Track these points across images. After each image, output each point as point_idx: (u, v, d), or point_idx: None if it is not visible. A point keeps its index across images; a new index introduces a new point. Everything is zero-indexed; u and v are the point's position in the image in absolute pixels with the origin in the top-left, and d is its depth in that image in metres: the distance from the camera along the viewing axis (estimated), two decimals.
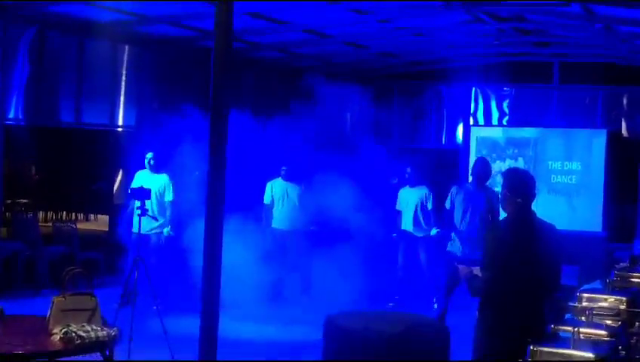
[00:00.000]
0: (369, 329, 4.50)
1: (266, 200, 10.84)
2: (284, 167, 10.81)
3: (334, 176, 11.16)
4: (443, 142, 15.63)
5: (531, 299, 4.93)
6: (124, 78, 12.18)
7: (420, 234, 10.70)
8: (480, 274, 5.27)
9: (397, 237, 10.92)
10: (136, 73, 12.23)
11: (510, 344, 4.30)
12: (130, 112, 12.33)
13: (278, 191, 10.82)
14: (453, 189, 9.25)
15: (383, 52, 13.97)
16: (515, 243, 5.07)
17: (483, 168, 9.14)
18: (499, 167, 14.22)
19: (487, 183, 9.20)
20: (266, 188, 10.87)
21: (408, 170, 10.90)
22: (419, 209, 10.68)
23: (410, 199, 10.78)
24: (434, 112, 15.65)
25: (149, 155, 9.79)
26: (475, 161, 9.84)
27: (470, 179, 9.27)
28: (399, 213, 10.89)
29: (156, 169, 9.76)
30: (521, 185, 5.26)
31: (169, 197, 9.67)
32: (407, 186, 10.91)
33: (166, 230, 9.61)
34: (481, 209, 8.76)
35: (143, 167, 9.82)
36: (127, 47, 12.10)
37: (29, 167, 15.61)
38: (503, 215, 5.54)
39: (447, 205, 9.19)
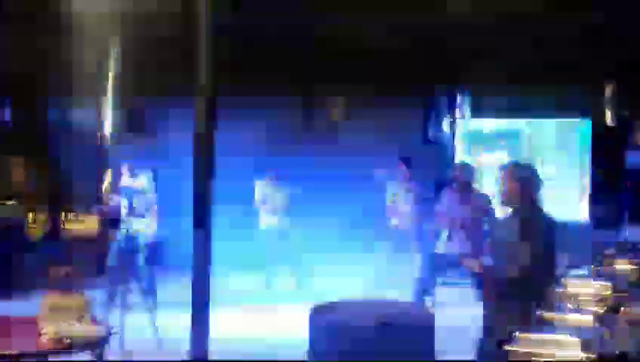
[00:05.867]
0: (355, 317, 4.52)
1: (254, 198, 10.72)
2: (272, 171, 10.68)
3: (319, 170, 11.17)
4: (429, 134, 15.61)
5: (539, 289, 5.01)
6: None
7: (412, 230, 10.45)
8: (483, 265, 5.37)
9: (386, 231, 10.73)
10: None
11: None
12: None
13: (262, 193, 10.68)
14: (444, 192, 9.21)
15: None
16: (531, 236, 5.16)
17: (469, 172, 9.18)
18: (486, 159, 14.28)
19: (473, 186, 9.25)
20: (255, 188, 10.75)
21: (404, 164, 10.65)
22: (414, 204, 10.45)
23: (405, 194, 10.59)
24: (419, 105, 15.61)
25: (124, 168, 9.49)
26: (459, 165, 9.84)
27: (456, 184, 9.12)
28: (389, 206, 10.70)
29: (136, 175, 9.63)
30: (529, 177, 5.37)
31: (152, 195, 9.54)
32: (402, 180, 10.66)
33: (151, 228, 9.55)
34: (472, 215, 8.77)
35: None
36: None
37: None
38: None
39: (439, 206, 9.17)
